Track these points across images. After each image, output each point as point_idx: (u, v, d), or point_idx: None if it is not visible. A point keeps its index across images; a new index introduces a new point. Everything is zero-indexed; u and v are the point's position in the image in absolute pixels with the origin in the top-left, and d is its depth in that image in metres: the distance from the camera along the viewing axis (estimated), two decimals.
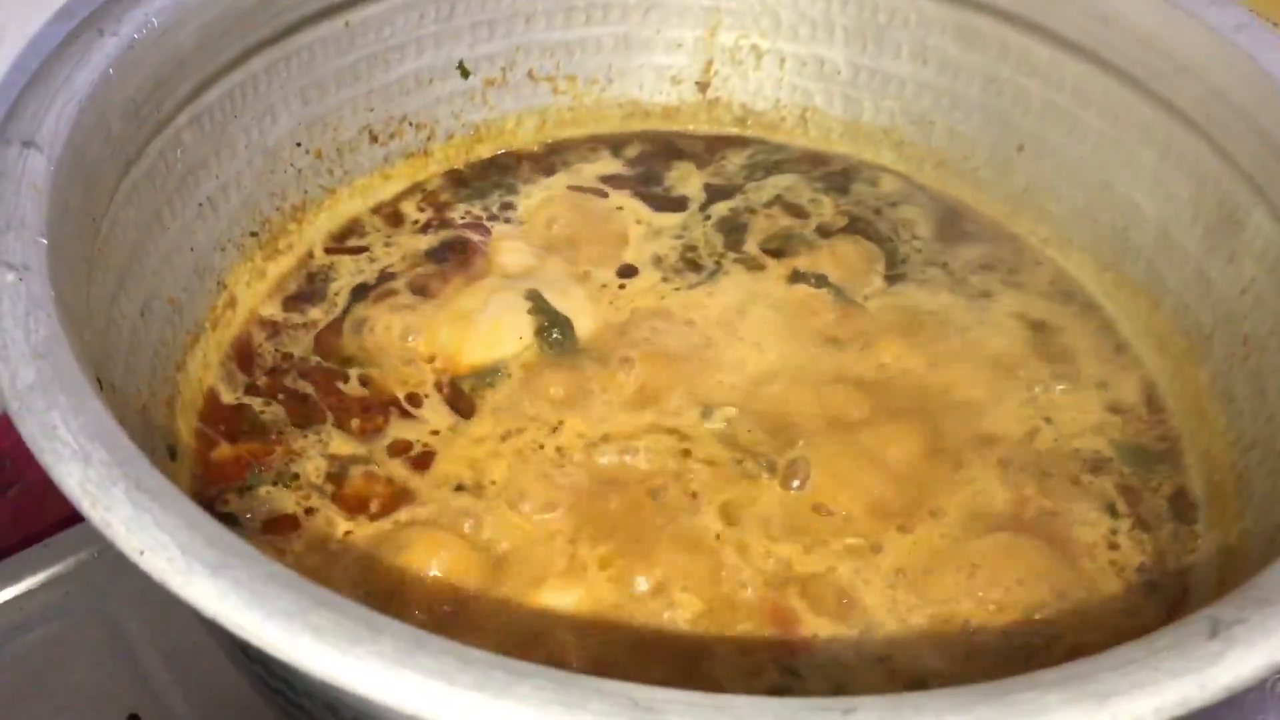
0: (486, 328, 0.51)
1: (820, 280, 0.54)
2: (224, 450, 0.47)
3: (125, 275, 0.45)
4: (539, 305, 0.52)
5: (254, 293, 0.53)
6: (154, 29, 0.45)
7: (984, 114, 0.58)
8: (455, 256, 0.55)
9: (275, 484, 0.46)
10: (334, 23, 0.53)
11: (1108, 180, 0.55)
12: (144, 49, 0.44)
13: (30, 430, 0.31)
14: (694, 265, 0.55)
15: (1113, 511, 0.47)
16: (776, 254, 0.56)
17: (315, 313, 0.53)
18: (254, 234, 0.53)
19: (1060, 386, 0.52)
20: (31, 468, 0.53)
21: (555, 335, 0.51)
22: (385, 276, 0.55)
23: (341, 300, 0.53)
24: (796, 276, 0.55)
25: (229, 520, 0.45)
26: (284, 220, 0.55)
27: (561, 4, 0.59)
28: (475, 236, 0.56)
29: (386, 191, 0.59)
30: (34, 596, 0.54)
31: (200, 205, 0.50)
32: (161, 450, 0.45)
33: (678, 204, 0.59)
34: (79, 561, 0.55)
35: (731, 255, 0.56)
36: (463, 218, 0.58)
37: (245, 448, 0.48)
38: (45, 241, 0.36)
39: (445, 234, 0.57)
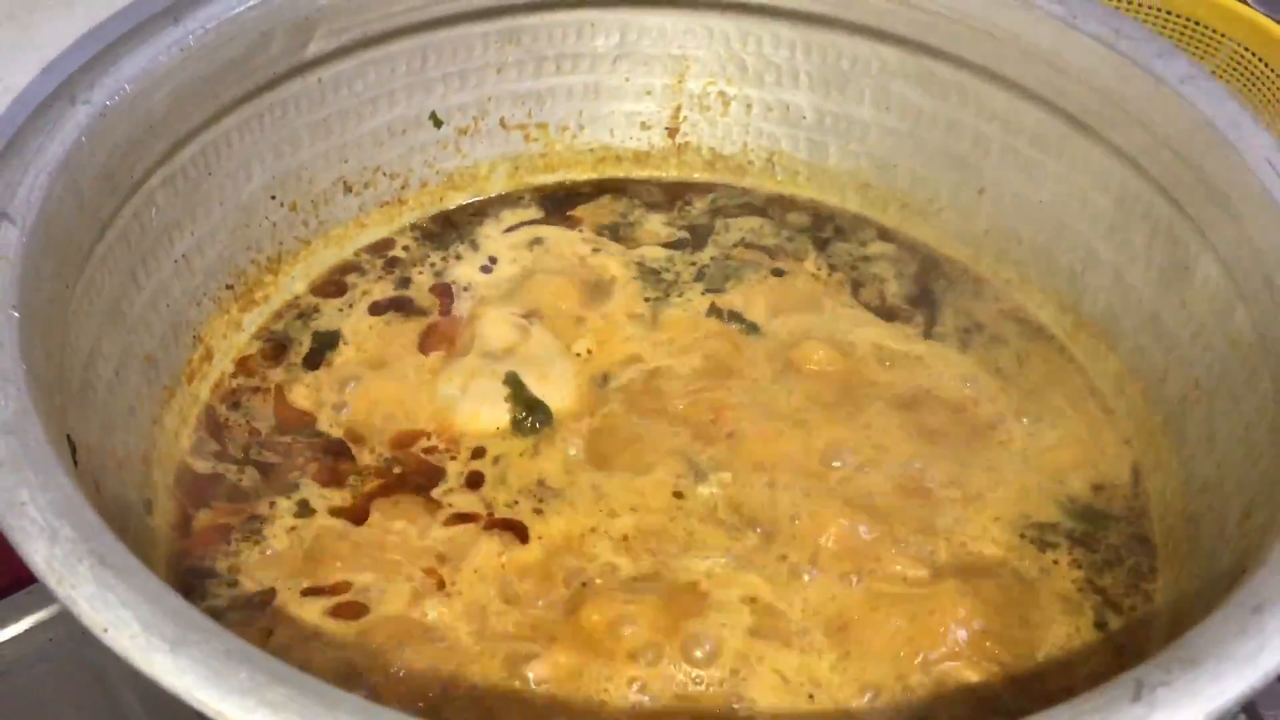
0: (465, 416, 0.52)
1: None
2: (201, 514, 0.48)
3: (101, 335, 0.46)
4: (517, 393, 0.53)
5: (230, 344, 0.54)
6: (126, 95, 0.46)
7: (946, 158, 0.59)
8: (435, 315, 0.56)
9: (249, 542, 0.47)
10: (306, 79, 0.54)
11: (1065, 223, 0.56)
12: (116, 115, 0.46)
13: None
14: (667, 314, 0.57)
15: (1074, 560, 0.48)
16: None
17: (280, 373, 0.54)
18: (229, 287, 0.54)
19: (1021, 424, 0.53)
20: None
21: (531, 424, 0.52)
22: (375, 310, 0.56)
23: (311, 360, 0.54)
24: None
25: (207, 575, 0.46)
26: (260, 272, 0.56)
27: (532, 54, 0.60)
28: (451, 293, 0.57)
29: (361, 240, 0.60)
30: (17, 643, 0.55)
31: (175, 262, 0.51)
32: (138, 505, 0.46)
33: (648, 248, 0.60)
34: (62, 608, 0.56)
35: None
36: (436, 270, 0.59)
37: (220, 508, 0.49)
38: (16, 315, 0.37)
39: (417, 288, 0.58)
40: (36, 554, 0.31)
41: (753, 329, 0.57)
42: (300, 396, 0.53)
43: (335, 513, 0.48)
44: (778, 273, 0.59)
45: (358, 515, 0.48)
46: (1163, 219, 0.51)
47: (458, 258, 0.59)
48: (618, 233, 0.61)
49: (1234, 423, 0.46)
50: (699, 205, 0.63)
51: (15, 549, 0.31)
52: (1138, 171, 0.52)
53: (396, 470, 0.50)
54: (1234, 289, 0.47)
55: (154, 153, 0.48)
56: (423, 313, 0.57)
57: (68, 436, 0.39)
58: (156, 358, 0.50)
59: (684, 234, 0.61)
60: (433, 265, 0.59)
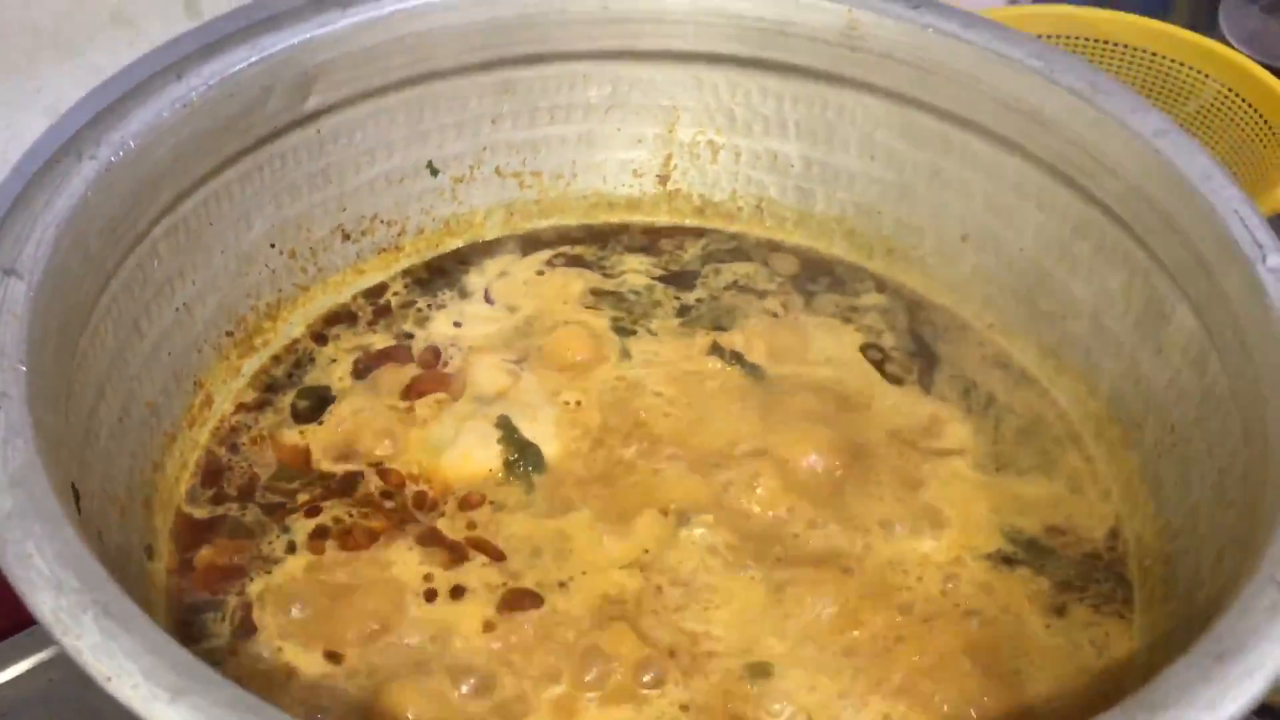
0: (457, 459, 0.53)
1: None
2: (202, 553, 0.49)
3: (104, 385, 0.47)
4: (509, 436, 0.54)
5: (229, 390, 0.56)
6: (131, 150, 0.47)
7: (929, 205, 0.61)
8: (426, 361, 0.58)
9: (249, 581, 0.48)
10: (305, 131, 0.56)
11: (1046, 269, 0.57)
12: (121, 170, 0.47)
13: (6, 558, 0.33)
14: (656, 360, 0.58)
15: (1055, 605, 0.49)
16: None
17: (276, 418, 0.55)
18: (229, 333, 0.56)
19: (1004, 472, 0.54)
20: None
21: (523, 468, 0.53)
22: (367, 362, 0.57)
23: (306, 406, 0.56)
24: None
25: (208, 614, 0.47)
26: (259, 319, 0.57)
27: (526, 105, 0.62)
28: (446, 339, 0.59)
29: (359, 286, 0.61)
30: (19, 683, 0.56)
31: (177, 310, 0.52)
32: (139, 551, 0.47)
33: (640, 291, 0.61)
34: (59, 654, 0.57)
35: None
36: (428, 316, 0.60)
37: (223, 547, 0.50)
38: (24, 368, 0.39)
39: (412, 333, 0.59)
40: (43, 604, 0.32)
41: (754, 371, 0.58)
42: (296, 441, 0.54)
43: (335, 549, 0.49)
44: (772, 315, 0.60)
45: (356, 553, 0.49)
46: (1139, 267, 0.52)
47: (451, 303, 0.61)
48: (611, 276, 0.62)
49: (1208, 468, 0.47)
50: (690, 250, 0.64)
51: (22, 599, 0.32)
52: (1115, 221, 0.53)
53: (391, 508, 0.51)
54: (1207, 337, 0.48)
55: (157, 205, 0.50)
56: (414, 360, 0.58)
57: (72, 485, 0.40)
58: (158, 404, 0.51)
59: (674, 276, 0.62)
60: (425, 311, 0.60)
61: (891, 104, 0.59)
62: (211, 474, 0.53)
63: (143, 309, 0.50)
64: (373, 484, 0.52)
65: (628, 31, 0.60)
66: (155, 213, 0.50)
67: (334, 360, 0.58)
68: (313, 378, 0.57)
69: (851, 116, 0.61)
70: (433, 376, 0.57)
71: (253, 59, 0.51)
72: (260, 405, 0.56)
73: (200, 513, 0.51)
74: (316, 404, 0.56)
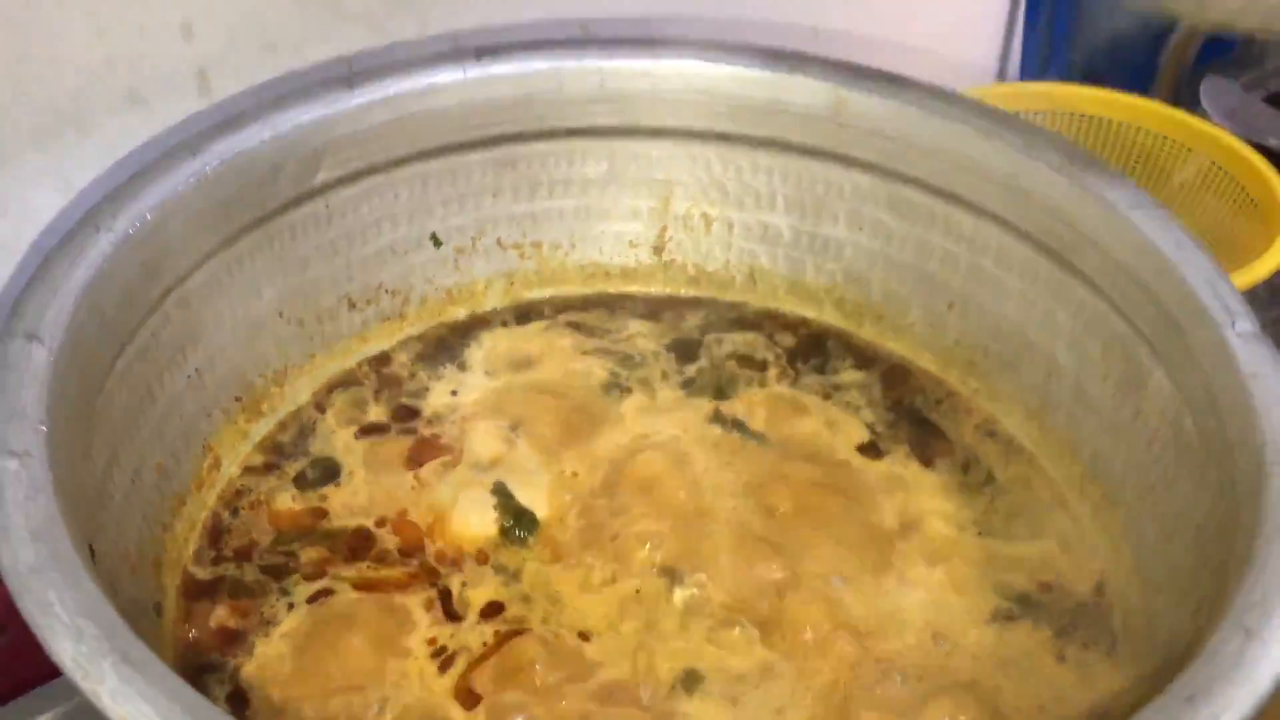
0: (457, 526, 0.55)
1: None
2: (207, 617, 0.51)
3: (117, 448, 0.49)
4: (504, 502, 0.55)
5: (237, 453, 0.57)
6: (147, 223, 0.49)
7: (916, 275, 0.63)
8: (426, 427, 0.59)
9: (255, 640, 0.50)
10: (314, 204, 0.58)
11: (1029, 336, 0.59)
12: (137, 242, 0.49)
13: (29, 607, 0.34)
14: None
15: (1044, 658, 0.51)
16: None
17: (281, 482, 0.56)
18: (238, 399, 0.57)
19: (989, 530, 0.56)
20: None
21: (518, 532, 0.55)
22: (369, 430, 0.59)
23: (310, 472, 0.57)
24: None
25: (214, 673, 0.49)
26: (266, 385, 0.59)
27: (526, 179, 0.64)
28: (446, 406, 0.60)
29: (364, 353, 0.63)
30: None
31: (189, 377, 0.54)
32: (149, 608, 0.49)
33: (638, 361, 0.63)
34: (78, 705, 0.57)
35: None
36: (428, 385, 0.62)
37: (228, 607, 0.51)
38: (45, 429, 0.40)
39: (414, 400, 0.61)
40: (64, 652, 0.33)
41: (758, 438, 0.59)
42: (300, 505, 0.56)
43: (343, 603, 0.51)
44: (770, 384, 0.62)
45: (362, 611, 0.51)
46: (1117, 334, 0.54)
47: (451, 370, 0.63)
48: (613, 342, 0.64)
49: (1185, 525, 0.49)
50: (691, 319, 0.66)
51: (44, 646, 0.34)
52: (1093, 290, 0.55)
53: (400, 571, 0.53)
54: (1182, 400, 0.50)
55: (171, 275, 0.52)
56: (415, 427, 0.59)
57: (89, 544, 0.41)
58: (168, 467, 0.53)
59: (676, 344, 0.64)
60: (426, 378, 0.62)
61: (878, 178, 0.62)
62: (216, 535, 0.54)
63: (156, 375, 0.52)
64: (379, 543, 0.54)
65: (623, 109, 0.62)
66: (169, 282, 0.52)
67: (337, 428, 0.59)
68: (318, 446, 0.59)
69: (839, 190, 0.63)
70: (432, 444, 0.59)
71: (265, 136, 0.54)
72: (267, 469, 0.57)
73: (204, 573, 0.53)
74: (321, 472, 0.57)
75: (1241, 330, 0.47)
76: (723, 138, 0.64)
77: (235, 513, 0.55)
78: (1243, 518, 0.42)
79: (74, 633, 0.34)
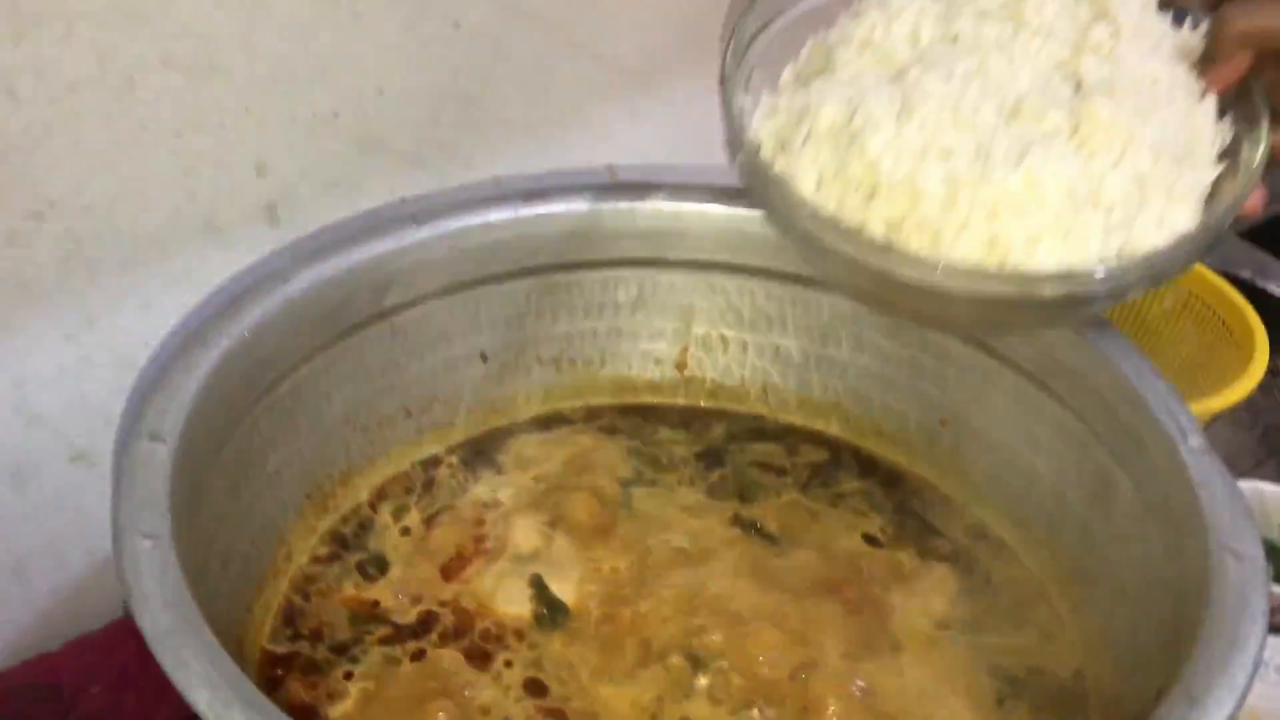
0: (499, 613, 0.61)
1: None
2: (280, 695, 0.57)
3: (212, 536, 0.55)
4: (540, 593, 0.62)
5: (306, 545, 0.64)
6: (245, 340, 0.57)
7: (912, 393, 0.70)
8: (468, 525, 0.66)
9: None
10: (381, 325, 0.65)
11: (1013, 449, 0.66)
12: (237, 356, 0.56)
13: (168, 663, 0.41)
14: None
15: None
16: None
17: (343, 572, 0.63)
18: (309, 496, 0.64)
19: (979, 624, 0.62)
20: (85, 698, 0.63)
21: (553, 621, 0.61)
22: (423, 523, 0.66)
23: (369, 565, 0.64)
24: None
25: None
26: (333, 484, 0.66)
27: (565, 304, 0.72)
28: (490, 503, 0.67)
29: (417, 456, 0.70)
30: None
31: (269, 476, 0.61)
32: None
33: (665, 464, 0.71)
34: None
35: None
36: (476, 482, 0.69)
37: (300, 680, 0.57)
38: (169, 515, 0.47)
39: (459, 498, 0.68)
40: (200, 700, 0.40)
41: (774, 539, 0.66)
42: (361, 592, 0.62)
43: (402, 679, 0.57)
44: (786, 491, 0.69)
45: (419, 685, 0.57)
46: (1090, 448, 0.62)
47: (494, 471, 0.69)
48: (639, 446, 0.71)
49: (1152, 620, 0.55)
50: (717, 429, 0.73)
51: (182, 695, 0.40)
52: (1068, 409, 0.63)
53: (452, 649, 0.59)
54: (1145, 507, 0.57)
55: (261, 385, 0.59)
56: (459, 524, 0.66)
57: None
58: (250, 555, 0.60)
59: (704, 454, 0.71)
60: (472, 479, 0.69)
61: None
62: (290, 618, 0.61)
63: (243, 473, 0.59)
64: (432, 626, 0.60)
65: (654, 245, 0.70)
66: (259, 392, 0.59)
67: (392, 524, 0.66)
68: (375, 541, 0.65)
69: (844, 318, 0.71)
70: (476, 538, 0.66)
71: (345, 266, 0.61)
72: (331, 559, 0.64)
73: (280, 649, 0.59)
74: (378, 564, 0.64)
75: (1193, 446, 0.54)
76: (739, 269, 0.72)
77: (306, 598, 0.62)
78: (1191, 608, 0.49)
79: (207, 683, 0.40)
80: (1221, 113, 0.55)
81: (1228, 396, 0.79)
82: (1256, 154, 0.54)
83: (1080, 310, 0.54)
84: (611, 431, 0.73)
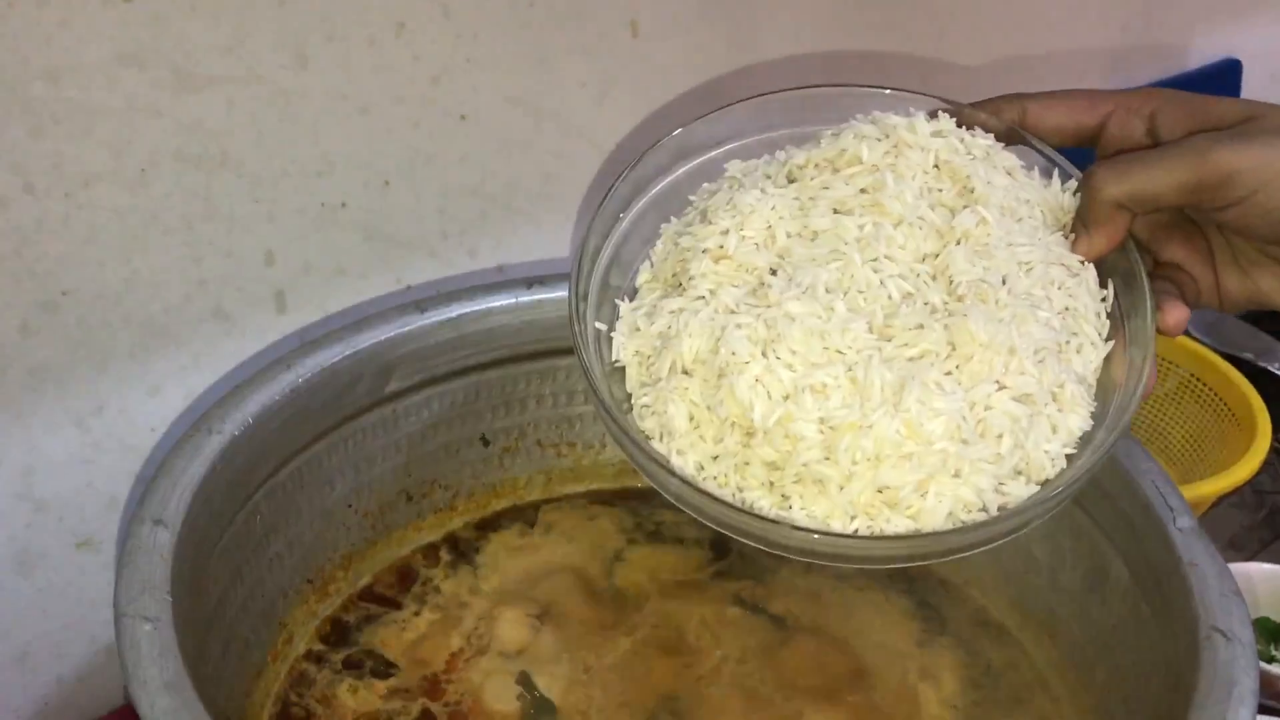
0: (488, 713, 0.61)
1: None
2: None
3: (212, 621, 0.56)
4: (527, 691, 0.62)
5: (306, 630, 0.64)
6: (249, 426, 0.58)
7: None
8: (463, 619, 0.66)
9: None
10: (383, 410, 0.67)
11: None
12: (241, 442, 0.58)
13: None
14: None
15: None
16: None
17: (340, 664, 0.63)
18: (310, 580, 0.65)
19: (980, 708, 0.62)
20: None
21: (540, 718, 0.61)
22: (417, 615, 0.66)
23: (370, 659, 0.64)
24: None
25: None
26: (334, 568, 0.66)
27: (565, 388, 0.73)
28: (484, 592, 0.68)
29: (417, 541, 0.71)
30: None
31: (270, 560, 0.62)
32: None
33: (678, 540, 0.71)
34: None
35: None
36: (471, 571, 0.69)
37: None
38: (170, 599, 0.48)
39: (456, 590, 0.68)
40: None
41: (778, 621, 0.66)
42: (356, 687, 0.62)
43: None
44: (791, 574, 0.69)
45: None
46: (1084, 531, 0.62)
47: (490, 559, 0.70)
48: (642, 532, 0.72)
49: (1146, 699, 0.56)
50: None
51: None
52: None
53: None
54: (1137, 588, 0.57)
55: (264, 471, 0.60)
56: (453, 616, 0.66)
57: None
58: (250, 640, 0.60)
59: (706, 537, 0.71)
60: (468, 568, 0.69)
61: None
62: (287, 707, 0.61)
63: (245, 558, 0.60)
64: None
65: None
66: (261, 477, 0.60)
67: (386, 616, 0.66)
68: (371, 634, 0.65)
69: None
70: (469, 633, 0.66)
71: (348, 353, 0.63)
72: (329, 651, 0.64)
73: None
74: (376, 659, 0.64)
75: (1182, 525, 0.55)
76: None
77: (303, 691, 0.62)
78: (1182, 687, 0.49)
79: None
80: (1101, 279, 0.53)
81: (1231, 478, 0.79)
82: (1144, 328, 0.51)
83: (984, 546, 0.50)
84: (611, 518, 0.73)
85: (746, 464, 0.50)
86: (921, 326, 0.50)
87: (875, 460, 0.48)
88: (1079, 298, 0.52)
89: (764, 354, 0.50)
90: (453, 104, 0.71)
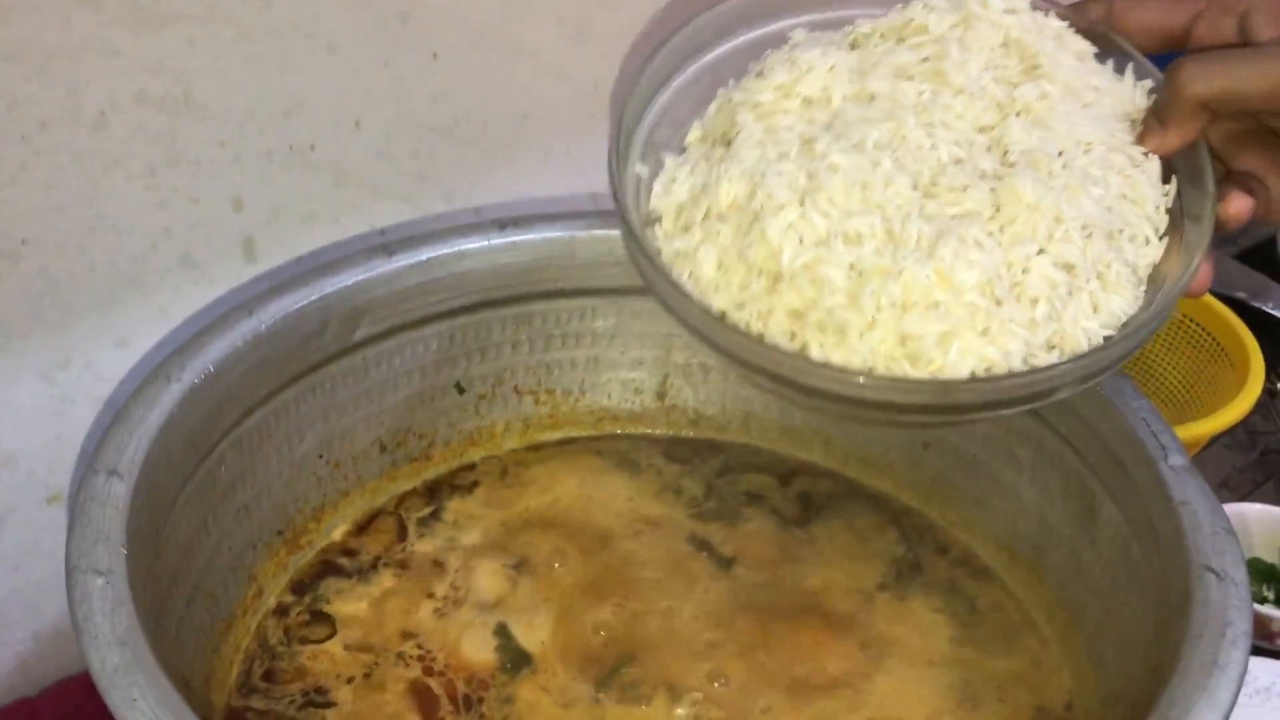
0: (464, 660, 0.60)
1: None
2: None
3: (176, 573, 0.55)
4: (505, 642, 0.61)
5: (277, 583, 0.63)
6: (210, 374, 0.56)
7: None
8: (440, 565, 0.65)
9: None
10: (353, 357, 0.65)
11: (996, 472, 0.65)
12: (201, 391, 0.56)
13: (115, 702, 0.40)
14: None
15: None
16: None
17: (311, 613, 0.62)
18: (280, 533, 0.64)
19: (967, 649, 0.61)
20: None
21: (518, 671, 0.59)
22: (394, 566, 0.65)
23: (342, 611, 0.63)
24: None
25: None
26: (305, 520, 0.65)
27: (542, 333, 0.71)
28: (461, 544, 0.66)
29: (392, 491, 0.69)
30: None
31: (238, 511, 0.60)
32: None
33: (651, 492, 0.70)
34: None
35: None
36: (451, 520, 0.68)
37: None
38: (124, 551, 0.46)
39: (429, 541, 0.67)
40: None
41: (757, 570, 0.65)
42: (331, 640, 0.61)
43: None
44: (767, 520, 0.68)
45: None
46: (1072, 469, 0.60)
47: (468, 508, 0.68)
48: (621, 479, 0.70)
49: (1137, 643, 0.54)
50: (712, 463, 0.72)
51: None
52: (1050, 429, 0.62)
53: (429, 695, 0.58)
54: (1128, 527, 0.56)
55: (227, 420, 0.58)
56: (434, 565, 0.65)
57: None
58: (217, 594, 0.59)
59: (685, 480, 0.70)
60: (446, 518, 0.68)
61: None
62: (258, 663, 0.60)
63: (210, 509, 0.58)
64: (405, 670, 0.59)
65: (630, 272, 0.69)
66: (225, 427, 0.58)
67: (361, 567, 0.65)
68: (345, 585, 0.64)
69: None
70: (448, 583, 0.64)
71: (313, 297, 0.61)
72: (305, 598, 0.63)
73: (245, 701, 0.58)
74: (352, 615, 0.62)
75: (1174, 464, 0.53)
76: None
77: (275, 645, 0.60)
78: (1174, 628, 0.48)
79: None
80: (1166, 175, 0.51)
81: (1223, 418, 0.78)
82: (1202, 227, 0.49)
83: (1004, 410, 0.49)
84: (592, 465, 0.72)
85: (770, 312, 0.49)
86: (967, 188, 0.48)
87: (901, 308, 0.47)
88: (1139, 188, 0.50)
89: (801, 203, 0.49)
90: (423, 41, 0.69)
